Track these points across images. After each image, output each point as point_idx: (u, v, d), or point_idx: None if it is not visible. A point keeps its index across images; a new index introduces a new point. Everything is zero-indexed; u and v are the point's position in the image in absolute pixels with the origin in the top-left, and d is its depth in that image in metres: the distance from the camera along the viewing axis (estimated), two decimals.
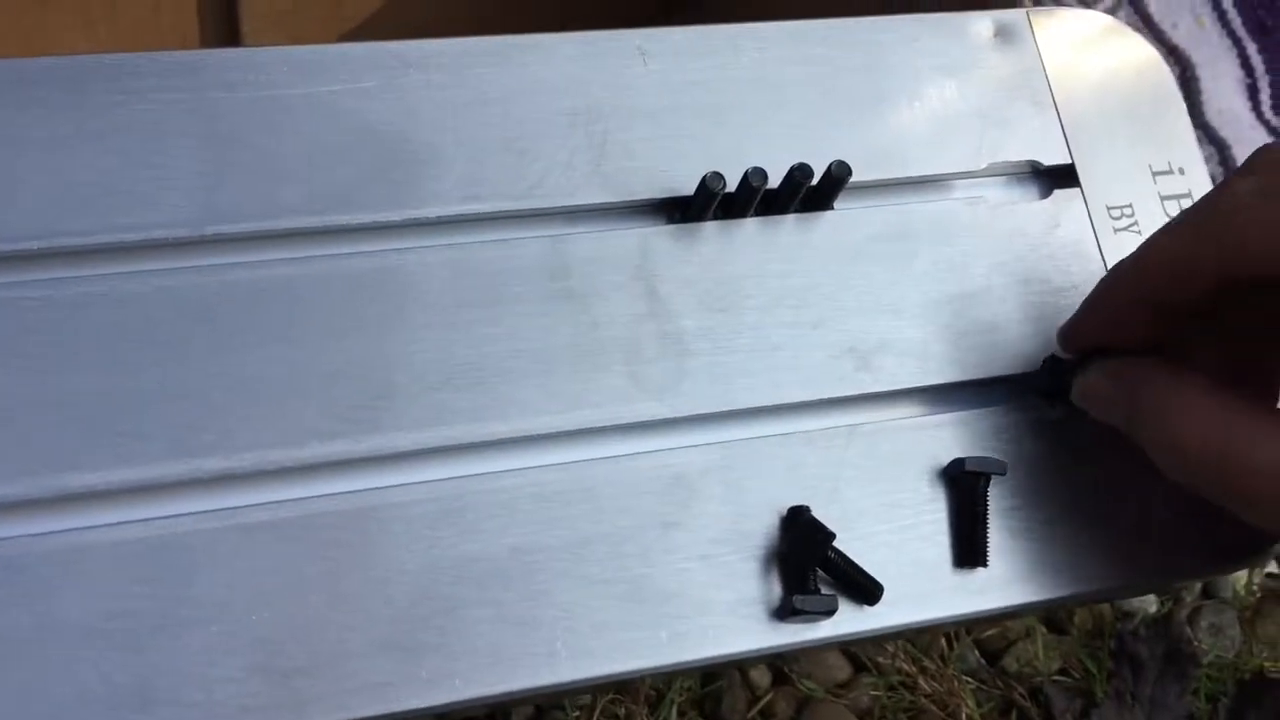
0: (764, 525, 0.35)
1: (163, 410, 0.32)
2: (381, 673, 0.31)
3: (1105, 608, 0.70)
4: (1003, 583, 0.36)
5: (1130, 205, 0.40)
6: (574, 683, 0.33)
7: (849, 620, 0.34)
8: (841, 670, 0.68)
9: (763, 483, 0.35)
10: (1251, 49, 0.84)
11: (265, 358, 0.33)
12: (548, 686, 0.32)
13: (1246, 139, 0.90)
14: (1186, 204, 0.41)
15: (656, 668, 0.33)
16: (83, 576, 0.31)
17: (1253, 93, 0.93)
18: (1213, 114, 0.62)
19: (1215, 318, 0.33)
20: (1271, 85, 0.93)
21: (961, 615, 0.35)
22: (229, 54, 0.36)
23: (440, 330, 0.35)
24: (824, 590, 0.34)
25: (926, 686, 0.68)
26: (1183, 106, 0.43)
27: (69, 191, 0.34)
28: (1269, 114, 0.92)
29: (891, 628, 0.35)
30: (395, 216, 0.36)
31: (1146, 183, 0.41)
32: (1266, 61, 0.85)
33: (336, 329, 0.34)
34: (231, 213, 0.35)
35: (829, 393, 0.36)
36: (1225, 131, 0.64)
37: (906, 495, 0.36)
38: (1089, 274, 0.39)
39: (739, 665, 0.35)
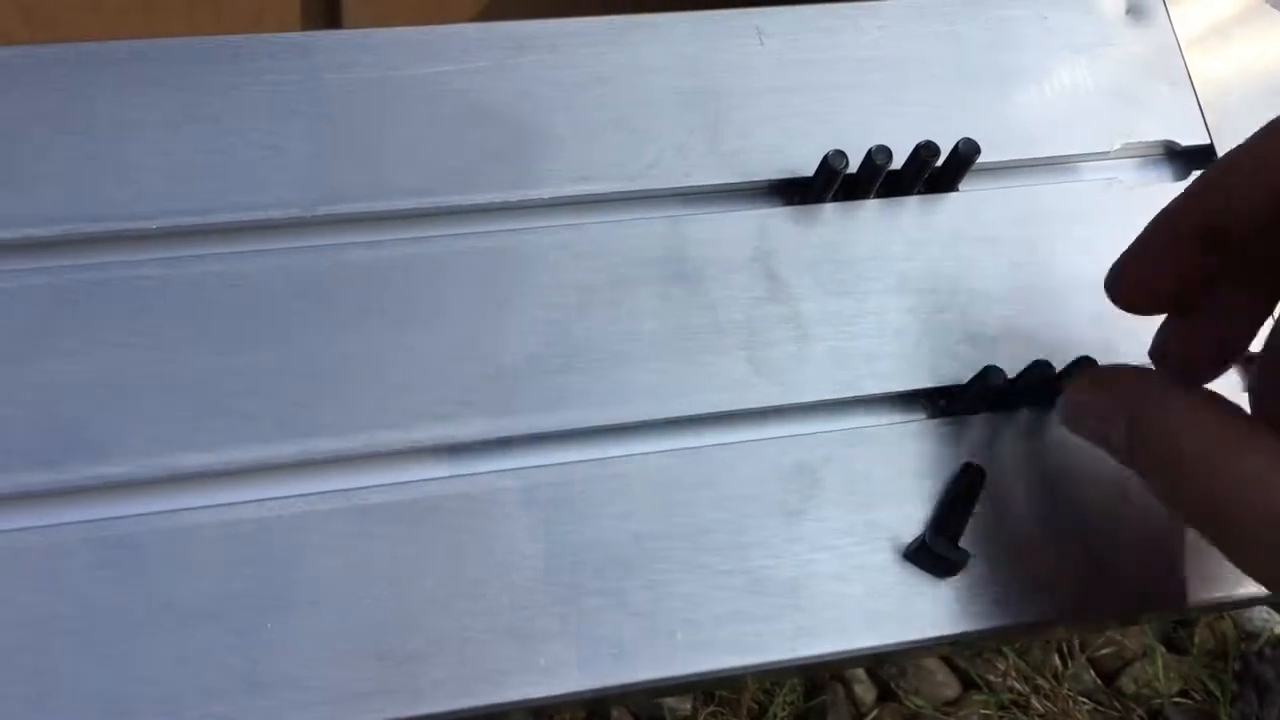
0: (891, 516, 0.33)
1: (276, 390, 0.32)
2: (500, 660, 0.30)
3: (1228, 627, 0.67)
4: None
5: None
6: (692, 676, 0.31)
7: (984, 614, 0.33)
8: (950, 687, 0.65)
9: (889, 471, 0.33)
10: None
11: (379, 339, 0.33)
12: (666, 680, 0.31)
13: None
14: None
15: (781, 663, 0.31)
16: (193, 557, 0.30)
17: None
18: None
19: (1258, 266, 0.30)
20: None
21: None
22: (341, 35, 0.36)
23: (556, 313, 0.34)
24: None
25: (1039, 706, 0.65)
26: None
27: (184, 172, 0.33)
28: None
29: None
30: (508, 197, 0.35)
31: None
32: None
33: (451, 310, 0.33)
34: (344, 193, 0.34)
35: (954, 379, 0.35)
36: None
37: (1042, 485, 0.34)
38: None
39: (859, 665, 0.33)
